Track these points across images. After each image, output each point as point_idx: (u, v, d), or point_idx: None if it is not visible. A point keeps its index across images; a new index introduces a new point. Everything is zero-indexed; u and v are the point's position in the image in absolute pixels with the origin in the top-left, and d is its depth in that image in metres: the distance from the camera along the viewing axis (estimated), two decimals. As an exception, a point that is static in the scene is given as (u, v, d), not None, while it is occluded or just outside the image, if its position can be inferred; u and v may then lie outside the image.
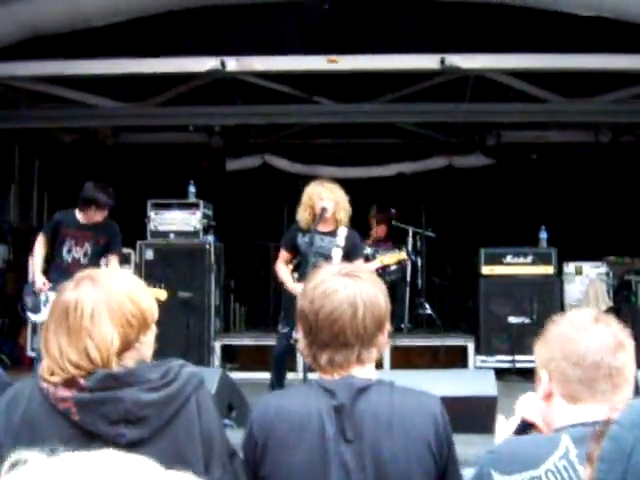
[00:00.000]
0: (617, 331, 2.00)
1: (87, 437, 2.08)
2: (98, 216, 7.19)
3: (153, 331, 2.28)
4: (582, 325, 1.99)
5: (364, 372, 2.28)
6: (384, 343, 2.33)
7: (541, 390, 2.03)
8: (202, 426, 2.20)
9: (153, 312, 2.27)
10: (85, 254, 7.22)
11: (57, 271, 7.14)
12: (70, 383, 2.11)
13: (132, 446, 2.05)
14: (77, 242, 7.22)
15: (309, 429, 2.18)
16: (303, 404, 2.24)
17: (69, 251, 7.22)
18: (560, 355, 1.97)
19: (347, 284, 2.26)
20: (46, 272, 7.25)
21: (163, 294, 6.78)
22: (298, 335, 2.36)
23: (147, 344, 2.27)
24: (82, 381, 2.10)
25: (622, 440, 1.21)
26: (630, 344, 2.00)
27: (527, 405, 2.20)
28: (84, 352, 2.10)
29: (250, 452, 2.25)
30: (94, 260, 7.18)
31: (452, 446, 2.28)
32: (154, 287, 6.90)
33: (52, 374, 2.12)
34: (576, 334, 1.97)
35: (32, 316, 7.27)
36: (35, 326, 8.75)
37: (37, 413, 2.12)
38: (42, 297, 7.11)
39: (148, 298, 2.27)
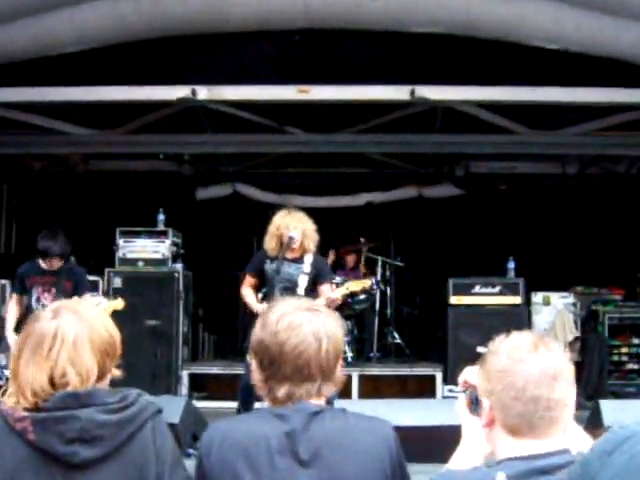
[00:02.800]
0: (556, 358, 1.99)
1: (42, 457, 2.11)
2: (55, 263, 7.14)
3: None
4: (520, 356, 1.97)
5: (318, 402, 2.28)
6: (340, 380, 2.33)
7: (484, 418, 2.04)
8: (157, 451, 2.22)
9: (120, 342, 2.33)
10: (54, 299, 7.19)
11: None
12: (30, 407, 2.14)
13: (85, 466, 2.10)
14: (44, 289, 7.19)
15: (257, 454, 2.16)
16: (252, 430, 2.23)
17: (38, 300, 7.19)
18: (500, 388, 1.97)
19: (310, 318, 2.27)
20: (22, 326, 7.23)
21: (120, 303, 6.64)
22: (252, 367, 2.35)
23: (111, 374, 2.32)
24: (41, 403, 2.13)
25: (589, 466, 1.23)
26: (569, 369, 2.00)
27: (466, 373, 2.21)
28: (62, 378, 2.14)
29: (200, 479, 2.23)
30: None
31: (405, 471, 2.29)
32: (109, 300, 6.89)
33: (15, 402, 2.15)
34: (514, 366, 1.96)
35: (7, 372, 7.28)
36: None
37: None
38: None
39: (116, 329, 2.33)
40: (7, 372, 7.19)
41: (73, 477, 2.11)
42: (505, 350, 2.01)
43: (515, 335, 2.07)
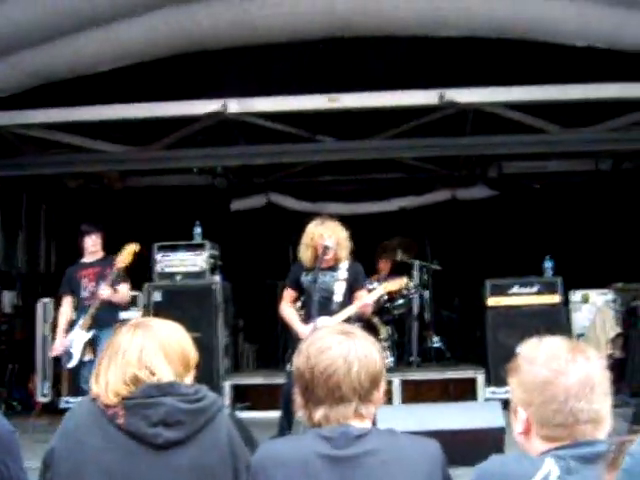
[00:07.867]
0: (594, 365, 1.96)
1: (128, 438, 2.39)
2: (92, 244, 7.69)
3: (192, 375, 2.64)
4: (559, 367, 1.94)
5: (362, 425, 2.29)
6: (380, 400, 2.35)
7: (519, 426, 2.02)
8: (229, 439, 2.50)
9: (194, 358, 2.65)
10: (98, 285, 7.46)
11: (80, 309, 7.57)
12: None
13: (167, 447, 2.40)
14: (89, 278, 7.60)
15: (304, 475, 2.19)
16: (298, 450, 2.26)
17: (85, 288, 7.60)
18: (539, 401, 1.94)
19: (341, 340, 2.31)
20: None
21: (135, 246, 7.31)
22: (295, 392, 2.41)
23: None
24: (128, 394, 2.44)
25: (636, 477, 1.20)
26: (606, 379, 1.98)
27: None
28: (134, 380, 2.45)
29: None
30: None
31: None
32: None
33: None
34: (554, 379, 1.93)
35: (70, 365, 7.59)
36: (45, 372, 9.14)
37: (87, 419, 2.45)
38: (68, 343, 7.43)
39: (191, 346, 2.65)
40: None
41: (155, 457, 2.38)
42: (543, 360, 1.98)
43: (549, 341, 2.04)
